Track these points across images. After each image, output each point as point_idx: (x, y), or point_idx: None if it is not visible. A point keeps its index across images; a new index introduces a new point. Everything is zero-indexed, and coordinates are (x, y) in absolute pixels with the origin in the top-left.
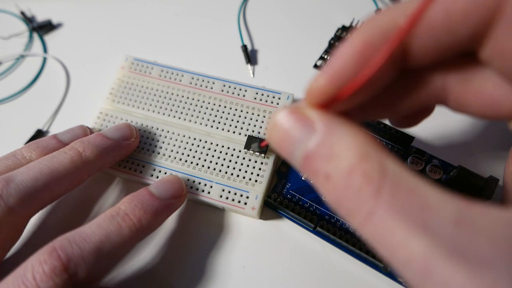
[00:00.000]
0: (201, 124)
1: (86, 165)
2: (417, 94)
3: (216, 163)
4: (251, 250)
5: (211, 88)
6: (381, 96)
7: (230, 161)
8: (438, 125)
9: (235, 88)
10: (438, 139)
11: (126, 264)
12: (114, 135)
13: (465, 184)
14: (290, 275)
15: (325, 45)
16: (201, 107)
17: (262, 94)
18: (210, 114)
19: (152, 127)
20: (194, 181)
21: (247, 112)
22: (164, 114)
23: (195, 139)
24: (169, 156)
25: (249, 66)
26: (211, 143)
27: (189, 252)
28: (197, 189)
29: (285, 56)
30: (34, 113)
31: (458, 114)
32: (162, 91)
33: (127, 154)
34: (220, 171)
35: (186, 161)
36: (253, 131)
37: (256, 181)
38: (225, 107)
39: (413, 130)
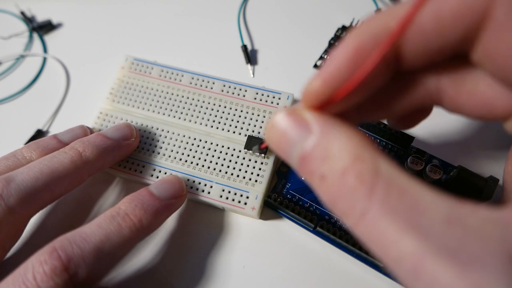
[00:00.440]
0: (201, 124)
1: (86, 165)
2: (412, 95)
3: (216, 163)
4: (251, 250)
5: (211, 88)
6: (376, 97)
7: (230, 161)
8: (438, 125)
9: (235, 88)
10: (438, 139)
11: (126, 264)
12: (114, 135)
13: (465, 184)
14: (290, 275)
15: (325, 45)
16: (201, 107)
17: (262, 94)
18: (210, 114)
19: (152, 127)
20: (194, 181)
21: (247, 112)
22: (164, 114)
23: (195, 139)
24: (169, 156)
25: (249, 66)
26: (211, 143)
27: (189, 252)
28: (197, 189)
29: (285, 56)
30: (34, 113)
31: (457, 115)
32: (162, 91)
33: (127, 154)
34: (220, 171)
35: (186, 161)
36: (253, 131)
37: (256, 181)
38: (225, 107)
39: (413, 130)
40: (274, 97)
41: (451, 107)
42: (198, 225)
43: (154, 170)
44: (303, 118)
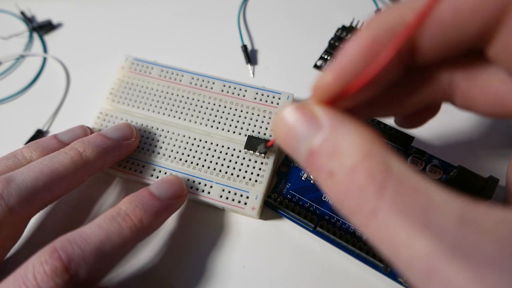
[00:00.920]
0: (201, 124)
1: (87, 165)
2: (424, 90)
3: (216, 163)
4: (251, 250)
5: (211, 88)
6: (388, 92)
7: (230, 161)
8: (438, 125)
9: (235, 88)
10: (438, 139)
11: (126, 264)
12: (114, 135)
13: (465, 184)
14: (290, 275)
15: (325, 45)
16: (201, 107)
17: (262, 94)
18: (210, 114)
19: (152, 127)
20: (194, 181)
21: (247, 112)
22: (164, 114)
23: (195, 139)
24: (169, 156)
25: (249, 66)
26: (211, 143)
27: (189, 252)
28: (197, 189)
29: (285, 56)
30: (34, 113)
31: (458, 114)
32: (162, 91)
33: (127, 154)
34: (220, 171)
35: (186, 161)
36: (253, 131)
37: (256, 181)
38: (225, 107)
39: (413, 130)
40: (274, 97)
41: (463, 104)
42: (198, 225)
43: (154, 170)
44: (313, 113)
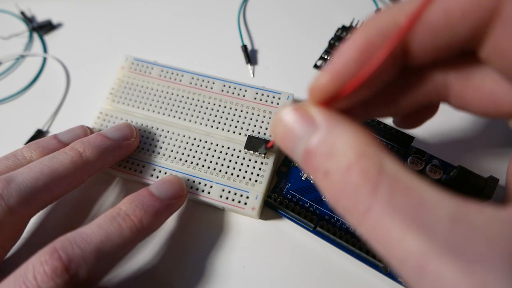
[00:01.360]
0: (201, 124)
1: (87, 165)
2: (419, 91)
3: (216, 163)
4: (251, 250)
5: (211, 88)
6: (384, 93)
7: (230, 161)
8: (438, 125)
9: (235, 88)
10: (438, 139)
11: (126, 264)
12: (114, 135)
13: (465, 184)
14: (290, 275)
15: (325, 45)
16: (201, 107)
17: (262, 94)
18: (210, 114)
19: (152, 127)
20: (194, 181)
21: (247, 112)
22: (164, 114)
23: (195, 139)
24: (169, 156)
25: (249, 66)
26: (211, 143)
27: (189, 252)
28: (197, 189)
29: (285, 56)
30: (34, 113)
31: (458, 114)
32: (162, 91)
33: (127, 154)
34: (220, 171)
35: (186, 161)
36: (253, 131)
37: (256, 181)
38: (225, 107)
39: (413, 130)
40: (274, 97)
41: (458, 104)
42: (198, 225)
43: (154, 170)
44: (309, 114)
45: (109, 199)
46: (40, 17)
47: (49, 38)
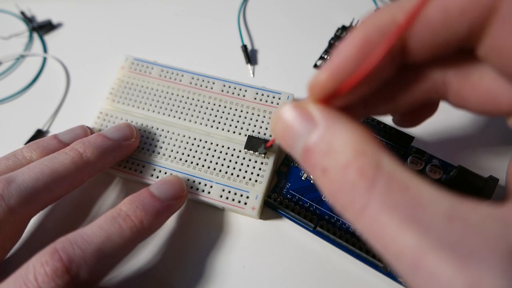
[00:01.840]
0: (201, 124)
1: (87, 165)
2: (417, 88)
3: (216, 163)
4: (251, 250)
5: (211, 88)
6: (382, 91)
7: (230, 161)
8: (438, 125)
9: (235, 88)
10: (438, 139)
11: (126, 264)
12: (115, 135)
13: (465, 184)
14: (290, 275)
15: (325, 45)
16: (201, 107)
17: (262, 94)
18: (210, 114)
19: (152, 127)
20: (194, 181)
21: (247, 112)
22: (164, 114)
23: (195, 139)
24: (169, 156)
25: (249, 66)
26: (211, 143)
27: (189, 252)
28: (197, 189)
29: (285, 56)
30: (34, 113)
31: (457, 114)
32: (162, 91)
33: (128, 154)
34: (220, 171)
35: (186, 161)
36: (253, 131)
37: (256, 181)
38: (225, 107)
39: (413, 130)
40: (274, 97)
41: (456, 102)
42: (198, 225)
43: (154, 170)
44: (308, 112)
45: (109, 199)
46: (40, 17)
47: (49, 38)
